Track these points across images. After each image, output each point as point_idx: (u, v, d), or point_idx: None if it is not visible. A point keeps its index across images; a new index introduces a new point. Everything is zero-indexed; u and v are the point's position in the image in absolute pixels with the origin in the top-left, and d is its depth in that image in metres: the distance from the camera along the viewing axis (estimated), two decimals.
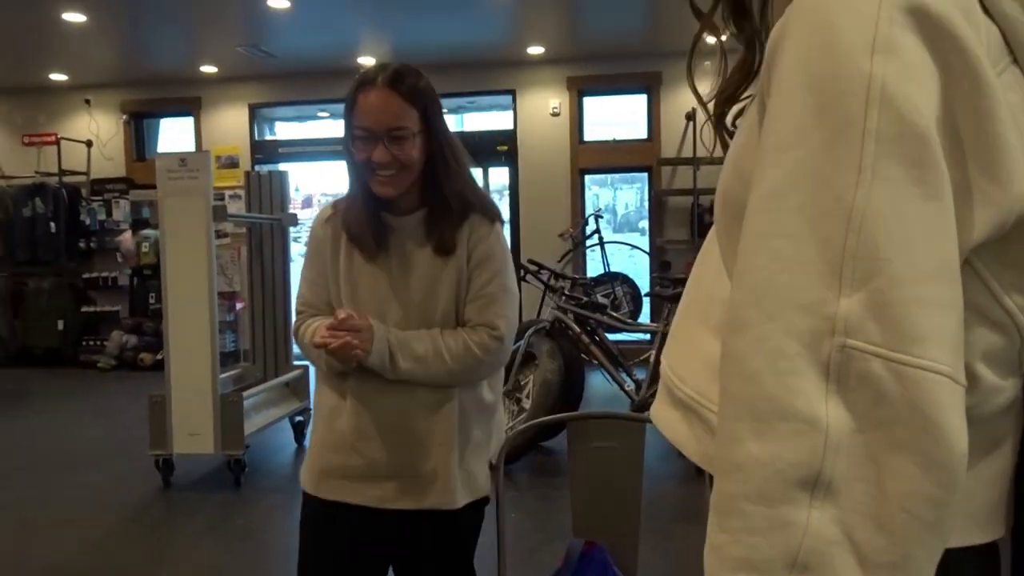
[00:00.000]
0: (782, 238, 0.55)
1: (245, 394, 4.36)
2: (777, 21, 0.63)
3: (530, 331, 4.62)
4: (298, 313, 1.69)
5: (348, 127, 1.55)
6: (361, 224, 1.58)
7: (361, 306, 1.57)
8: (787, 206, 0.55)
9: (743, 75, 0.80)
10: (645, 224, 8.49)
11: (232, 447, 4.17)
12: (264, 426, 4.55)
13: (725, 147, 0.80)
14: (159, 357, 6.54)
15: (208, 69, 8.02)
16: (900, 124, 0.53)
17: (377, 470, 1.58)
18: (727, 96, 0.81)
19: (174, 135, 8.83)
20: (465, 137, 8.90)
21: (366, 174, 1.54)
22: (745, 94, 0.80)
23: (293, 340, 1.86)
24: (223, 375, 4.53)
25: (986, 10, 0.58)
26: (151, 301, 7.83)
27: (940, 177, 0.53)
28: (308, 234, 1.72)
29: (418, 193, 1.59)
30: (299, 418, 5.07)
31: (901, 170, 0.53)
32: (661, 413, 0.82)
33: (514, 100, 8.10)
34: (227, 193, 7.51)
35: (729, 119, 0.82)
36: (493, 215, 1.64)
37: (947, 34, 0.54)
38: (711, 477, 0.66)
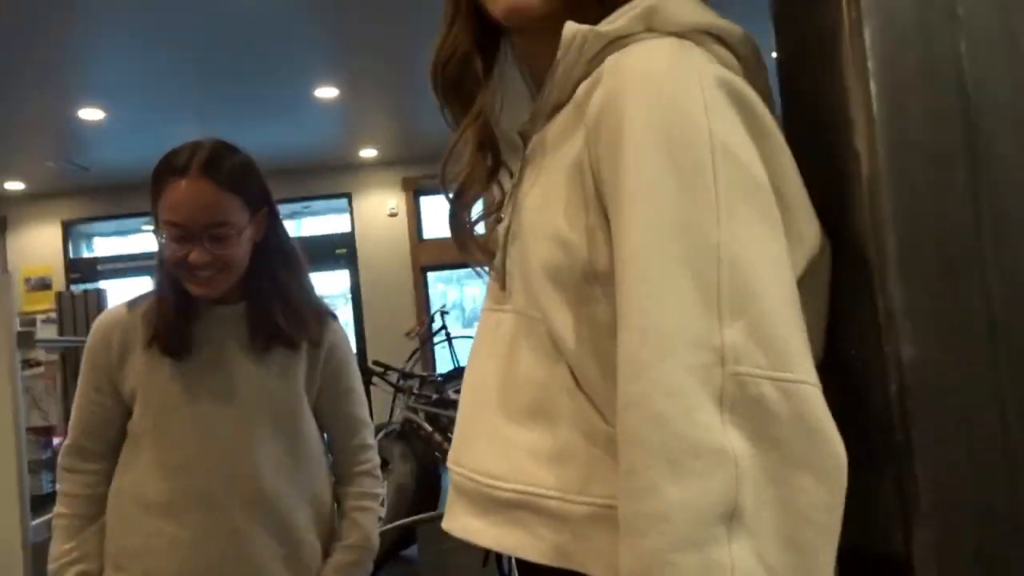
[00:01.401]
0: (661, 280, 0.58)
1: None
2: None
3: (380, 435, 4.46)
4: (71, 451, 1.36)
5: (155, 216, 1.30)
6: (171, 326, 1.32)
7: (175, 424, 1.32)
8: (659, 251, 0.58)
9: (484, 175, 0.81)
10: None
11: None
12: None
13: (467, 236, 0.84)
14: None
15: (14, 186, 7.47)
16: (742, 172, 0.60)
17: None
18: (473, 193, 0.82)
19: None
20: (303, 243, 8.73)
21: (179, 273, 1.30)
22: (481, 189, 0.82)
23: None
24: (36, 521, 4.02)
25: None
26: None
27: (778, 218, 0.61)
28: (85, 353, 1.38)
29: (242, 281, 1.35)
30: None
31: (750, 211, 0.59)
32: (472, 525, 0.73)
33: (350, 203, 8.08)
34: (39, 318, 6.88)
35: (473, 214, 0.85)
36: (331, 312, 1.49)
37: (744, 101, 0.64)
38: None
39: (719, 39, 0.69)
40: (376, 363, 5.15)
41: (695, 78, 0.62)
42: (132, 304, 1.40)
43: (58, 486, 1.39)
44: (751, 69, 0.70)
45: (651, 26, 0.68)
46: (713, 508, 0.53)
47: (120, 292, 7.82)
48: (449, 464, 0.77)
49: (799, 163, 0.68)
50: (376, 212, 8.06)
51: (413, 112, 6.79)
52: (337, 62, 5.38)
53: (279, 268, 1.38)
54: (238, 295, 1.37)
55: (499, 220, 0.84)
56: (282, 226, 1.42)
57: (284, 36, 4.75)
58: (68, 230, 8.03)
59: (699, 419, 0.54)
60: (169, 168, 1.28)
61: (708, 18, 0.69)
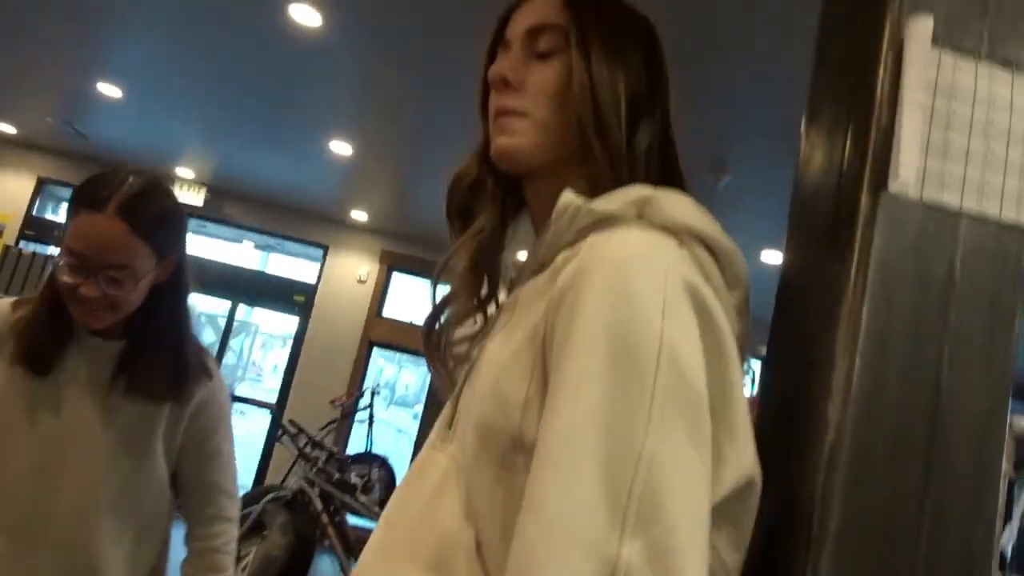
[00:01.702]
0: (574, 474, 0.55)
1: None
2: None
3: (268, 498, 4.26)
4: None
5: (63, 232, 1.25)
6: (39, 341, 1.26)
7: (8, 442, 1.23)
8: (581, 443, 0.56)
9: (471, 295, 0.82)
10: (419, 408, 8.42)
11: None
12: None
13: (434, 348, 0.83)
14: None
15: (3, 127, 7.35)
16: (682, 381, 0.58)
17: None
18: (455, 308, 0.82)
19: None
20: (266, 279, 8.70)
21: (67, 296, 1.23)
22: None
23: None
24: None
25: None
26: None
27: (708, 434, 0.59)
28: None
29: (128, 319, 1.29)
30: None
31: (682, 422, 0.57)
32: None
33: (324, 256, 8.04)
34: None
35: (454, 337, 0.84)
36: (208, 369, 1.39)
37: (707, 310, 0.64)
38: None
39: (706, 245, 0.69)
40: (291, 422, 4.99)
41: (662, 277, 0.62)
42: (15, 306, 1.33)
43: None
44: (732, 282, 0.71)
45: (642, 214, 0.69)
46: None
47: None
48: None
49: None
50: (346, 273, 8.02)
51: (411, 190, 6.89)
52: (357, 122, 5.47)
53: (170, 315, 1.33)
54: (120, 332, 1.31)
55: (465, 356, 0.83)
56: (186, 275, 1.36)
57: (318, 81, 4.84)
58: (41, 187, 7.86)
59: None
60: (90, 197, 1.22)
61: (701, 223, 0.70)
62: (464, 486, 0.68)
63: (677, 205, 0.69)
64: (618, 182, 0.72)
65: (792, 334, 0.82)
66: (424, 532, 0.68)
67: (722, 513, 0.62)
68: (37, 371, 1.25)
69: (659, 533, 0.53)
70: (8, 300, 1.34)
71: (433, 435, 0.79)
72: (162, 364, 1.31)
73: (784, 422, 0.77)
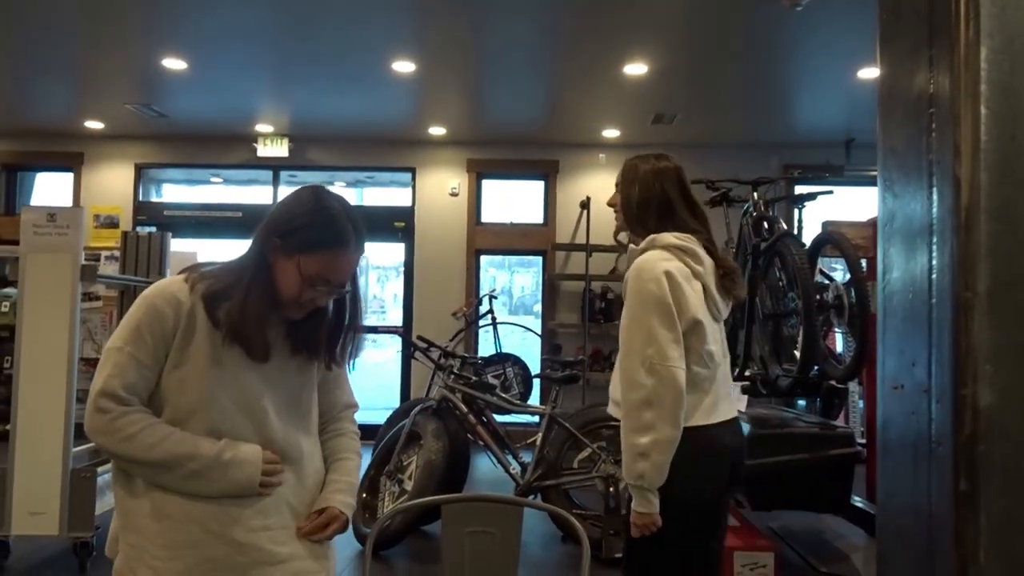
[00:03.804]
0: (635, 333, 1.99)
1: (100, 469, 4.00)
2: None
3: (416, 410, 4.48)
4: (115, 399, 1.47)
5: (303, 261, 1.50)
6: (251, 325, 1.50)
7: (226, 407, 1.51)
8: (634, 327, 1.98)
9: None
10: (539, 307, 8.56)
11: (80, 528, 3.79)
12: None
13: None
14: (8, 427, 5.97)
15: (93, 124, 7.70)
16: (661, 304, 1.95)
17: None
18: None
19: (52, 191, 8.37)
20: (363, 212, 8.85)
21: (292, 301, 1.54)
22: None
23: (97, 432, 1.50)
24: (78, 448, 4.17)
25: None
26: (5, 365, 7.21)
27: (675, 321, 1.95)
28: (143, 306, 1.52)
29: None
30: None
31: (661, 319, 1.95)
32: None
33: (413, 178, 8.13)
34: (103, 254, 7.12)
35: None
36: None
37: (674, 278, 1.98)
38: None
39: (683, 251, 2.03)
40: (420, 338, 5.19)
41: (654, 270, 1.98)
42: (193, 281, 1.54)
43: (102, 438, 1.49)
44: (696, 262, 2.04)
45: (653, 245, 2.06)
46: (641, 400, 1.93)
47: (184, 238, 8.05)
48: None
49: None
50: (438, 190, 8.10)
51: (483, 96, 6.80)
52: (417, 37, 5.40)
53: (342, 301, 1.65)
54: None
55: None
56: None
57: (368, 6, 4.79)
58: (140, 173, 8.25)
59: (641, 377, 1.93)
60: (339, 238, 1.53)
61: (677, 242, 2.04)
62: None
63: (665, 237, 2.05)
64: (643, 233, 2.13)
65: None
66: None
67: (686, 339, 1.97)
68: (259, 356, 1.53)
69: (655, 349, 1.92)
70: (179, 278, 1.56)
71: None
72: (328, 335, 1.64)
73: None
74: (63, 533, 3.79)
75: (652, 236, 2.03)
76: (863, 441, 4.33)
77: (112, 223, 8.00)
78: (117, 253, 6.19)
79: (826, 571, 4.05)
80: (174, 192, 8.99)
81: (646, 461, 1.87)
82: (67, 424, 3.84)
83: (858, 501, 4.24)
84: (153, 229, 7.30)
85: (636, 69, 5.74)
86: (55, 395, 3.86)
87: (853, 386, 4.74)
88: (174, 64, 5.81)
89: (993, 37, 0.71)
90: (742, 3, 4.63)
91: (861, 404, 5.03)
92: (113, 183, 8.18)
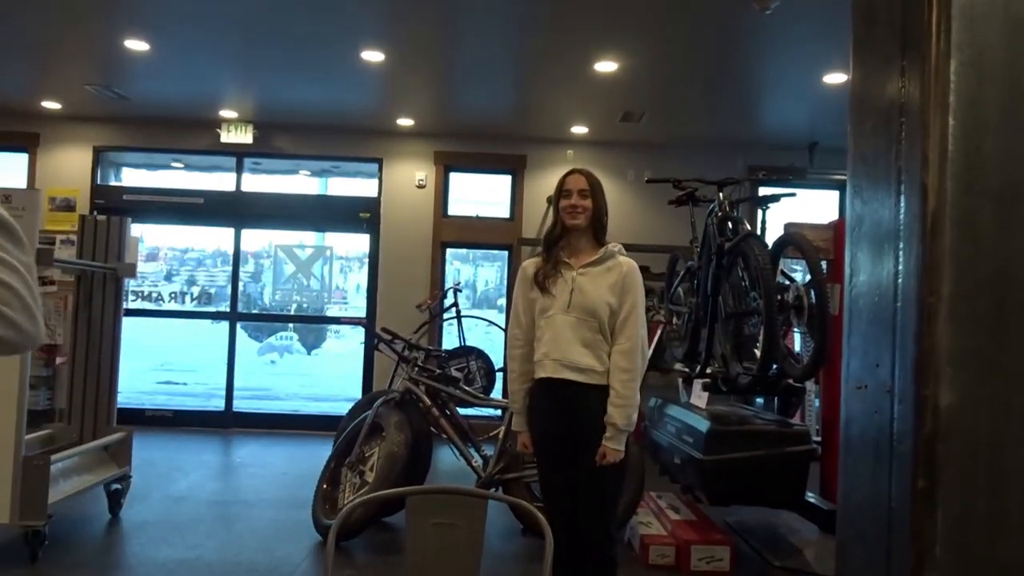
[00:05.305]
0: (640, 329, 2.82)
1: (54, 457, 3.92)
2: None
3: (379, 402, 4.47)
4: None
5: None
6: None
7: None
8: (640, 310, 2.81)
9: (548, 260, 2.95)
10: (503, 301, 8.57)
11: (32, 516, 3.71)
12: (73, 493, 4.09)
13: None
14: None
15: (50, 105, 7.51)
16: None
17: None
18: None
19: (5, 172, 8.14)
20: (327, 201, 8.87)
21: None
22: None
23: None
24: (30, 436, 4.08)
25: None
26: None
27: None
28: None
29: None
30: (116, 486, 4.61)
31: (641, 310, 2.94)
32: None
33: (380, 169, 8.08)
34: (59, 238, 6.95)
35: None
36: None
37: (628, 269, 2.90)
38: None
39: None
40: (384, 330, 5.17)
41: (637, 268, 2.86)
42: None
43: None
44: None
45: (621, 252, 2.86)
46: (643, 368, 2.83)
47: (144, 223, 7.87)
48: None
49: None
50: (405, 181, 8.06)
51: (452, 88, 6.77)
52: (387, 27, 5.36)
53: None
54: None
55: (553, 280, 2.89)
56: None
57: None
58: (98, 156, 8.07)
59: (645, 347, 2.86)
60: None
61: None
62: (583, 327, 2.77)
63: (619, 246, 2.89)
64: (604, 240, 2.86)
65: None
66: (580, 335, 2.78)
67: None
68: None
69: (645, 330, 2.86)
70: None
71: (555, 310, 2.79)
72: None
73: None
74: (13, 521, 3.71)
75: (616, 244, 2.84)
76: (818, 439, 4.43)
77: (68, 206, 7.81)
78: (73, 237, 6.07)
79: (780, 565, 4.14)
80: (134, 176, 8.79)
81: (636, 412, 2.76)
82: (20, 410, 3.76)
83: (812, 497, 4.34)
84: (111, 214, 7.15)
85: (606, 66, 5.77)
86: (7, 381, 3.77)
87: (810, 385, 4.85)
88: (136, 45, 5.68)
89: (963, 50, 0.74)
90: (714, 5, 4.68)
91: (817, 403, 5.15)
92: (70, 165, 7.98)
